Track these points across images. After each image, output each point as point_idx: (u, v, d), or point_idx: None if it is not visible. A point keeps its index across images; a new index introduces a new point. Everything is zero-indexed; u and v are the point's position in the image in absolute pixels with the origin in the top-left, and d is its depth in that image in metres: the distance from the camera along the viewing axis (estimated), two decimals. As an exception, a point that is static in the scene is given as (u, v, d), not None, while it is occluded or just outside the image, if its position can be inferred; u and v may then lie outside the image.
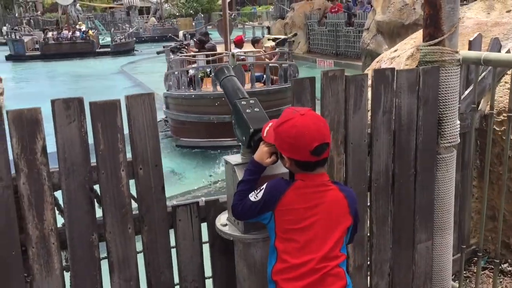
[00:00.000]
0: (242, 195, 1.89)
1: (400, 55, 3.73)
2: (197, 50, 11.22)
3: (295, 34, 13.50)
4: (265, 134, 1.86)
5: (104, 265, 2.13)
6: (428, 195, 2.64)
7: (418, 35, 3.95)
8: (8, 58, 28.90)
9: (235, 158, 2.09)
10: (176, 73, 10.13)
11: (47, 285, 2.02)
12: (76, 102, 1.97)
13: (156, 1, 45.81)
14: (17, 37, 29.24)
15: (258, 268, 2.08)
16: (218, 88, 9.48)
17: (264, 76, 9.94)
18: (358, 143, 2.42)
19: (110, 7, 54.65)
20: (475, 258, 3.23)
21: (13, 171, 1.92)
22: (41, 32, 32.34)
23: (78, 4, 36.45)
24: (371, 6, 15.66)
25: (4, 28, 42.86)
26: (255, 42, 11.47)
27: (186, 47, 11.93)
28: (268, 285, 1.89)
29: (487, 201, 2.85)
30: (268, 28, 14.78)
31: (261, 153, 1.88)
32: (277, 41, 11.90)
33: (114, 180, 2.07)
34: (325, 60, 19.57)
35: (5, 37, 32.07)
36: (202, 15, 42.58)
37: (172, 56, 10.57)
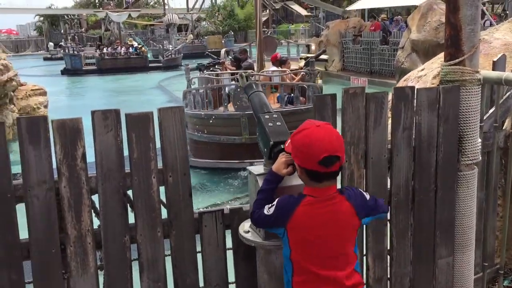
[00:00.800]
0: (259, 204, 2.01)
1: (427, 74, 3.80)
2: (234, 68, 11.17)
3: (324, 51, 13.30)
4: (286, 145, 1.98)
5: (135, 266, 2.28)
6: (449, 211, 2.69)
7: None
8: (63, 72, 30.08)
9: (257, 169, 2.21)
10: (193, 91, 9.86)
11: (82, 282, 2.19)
12: (113, 113, 2.15)
13: (194, 19, 46.89)
14: (75, 52, 30.50)
15: (278, 274, 2.19)
16: (231, 108, 9.36)
17: (286, 96, 9.64)
18: (378, 158, 2.50)
19: (151, 25, 56.24)
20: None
21: (55, 175, 2.11)
22: (90, 48, 33.66)
23: (121, 22, 37.70)
24: (407, 25, 15.64)
25: (51, 44, 44.79)
26: (282, 62, 11.24)
27: (221, 64, 11.94)
28: None
29: (509, 219, 2.86)
30: (308, 46, 14.54)
31: (279, 164, 2.01)
32: (306, 60, 11.73)
33: (146, 186, 2.23)
34: (359, 78, 19.57)
35: (62, 52, 33.49)
36: (233, 33, 43.01)
37: (191, 75, 10.27)
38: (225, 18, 53.89)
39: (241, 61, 11.28)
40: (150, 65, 31.03)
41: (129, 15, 40.98)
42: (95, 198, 2.20)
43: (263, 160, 2.20)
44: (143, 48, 32.03)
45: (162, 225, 2.28)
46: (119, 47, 31.52)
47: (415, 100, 2.52)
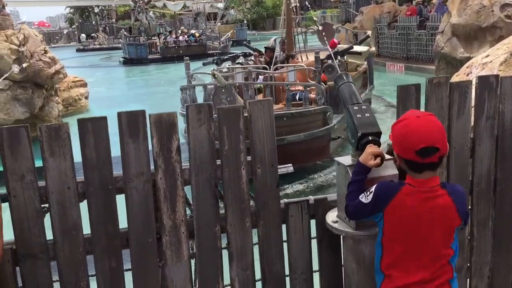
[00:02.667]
0: (352, 196, 2.04)
1: (493, 60, 3.74)
2: (268, 59, 10.12)
3: (368, 36, 12.86)
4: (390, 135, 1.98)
5: (225, 254, 2.35)
6: (530, 201, 2.66)
7: (511, 40, 3.92)
8: (126, 61, 30.48)
9: (346, 160, 2.24)
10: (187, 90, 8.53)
11: (176, 270, 2.27)
12: (206, 107, 2.21)
13: (223, 7, 46.83)
14: (141, 41, 30.91)
15: (366, 263, 2.22)
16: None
17: (297, 93, 8.75)
18: (460, 148, 2.50)
19: (179, 14, 56.50)
20: None
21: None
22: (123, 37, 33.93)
23: (151, 12, 38.00)
24: (447, 8, 15.26)
25: (83, 35, 45.47)
26: (290, 57, 9.98)
27: (255, 57, 10.87)
28: (375, 276, 2.03)
29: None
30: (366, 34, 13.51)
31: (366, 155, 2.03)
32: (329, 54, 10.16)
33: (236, 178, 2.28)
34: (395, 64, 19.25)
35: (121, 41, 33.76)
36: (246, 22, 42.28)
37: (191, 71, 9.14)
38: (253, 6, 53.64)
39: (273, 52, 10.14)
40: (209, 52, 31.26)
41: (184, 4, 41.25)
42: (187, 189, 2.28)
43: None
44: (201, 36, 32.60)
45: (251, 215, 2.34)
46: (181, 36, 32.24)
47: (499, 89, 2.50)
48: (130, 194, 2.16)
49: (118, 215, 2.18)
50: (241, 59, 10.69)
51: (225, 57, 11.07)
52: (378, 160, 2.04)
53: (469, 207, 2.59)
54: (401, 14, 21.32)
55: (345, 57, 10.20)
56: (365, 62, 12.01)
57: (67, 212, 2.10)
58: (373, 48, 12.76)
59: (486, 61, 3.84)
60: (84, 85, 14.54)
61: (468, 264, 2.66)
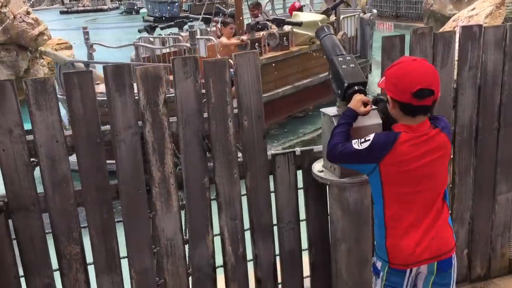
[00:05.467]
0: (341, 137, 2.01)
1: (479, 13, 3.75)
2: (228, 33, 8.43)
3: (342, 1, 10.61)
4: (380, 82, 1.98)
5: (214, 205, 2.41)
6: (510, 149, 2.74)
7: (497, -8, 3.92)
8: (156, 21, 29.55)
9: (332, 110, 2.27)
10: None
11: (167, 220, 2.33)
12: (192, 60, 2.22)
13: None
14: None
15: (351, 210, 2.29)
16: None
17: None
18: (443, 98, 2.53)
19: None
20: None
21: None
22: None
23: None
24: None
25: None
26: (224, 24, 8.46)
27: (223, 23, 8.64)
28: (377, 229, 1.99)
29: None
30: None
31: (355, 101, 2.05)
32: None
33: (223, 130, 2.32)
34: (385, 22, 19.10)
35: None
36: None
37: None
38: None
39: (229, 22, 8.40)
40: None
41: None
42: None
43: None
44: None
45: (238, 166, 2.39)
46: None
47: (482, 39, 2.52)
48: (119, 146, 2.19)
49: (107, 168, 2.21)
50: (195, 27, 8.62)
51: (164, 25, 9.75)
52: (368, 107, 2.06)
53: (451, 155, 2.66)
54: (390, -29, 20.96)
55: (286, 27, 8.94)
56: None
57: (56, 165, 2.13)
58: (373, 11, 11.11)
59: (472, 14, 3.85)
60: (69, 47, 14.24)
61: (450, 211, 2.75)
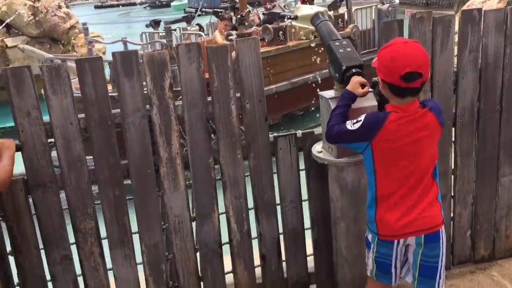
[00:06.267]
0: (338, 118, 2.11)
1: (492, -2, 3.72)
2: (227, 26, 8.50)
3: None
4: (373, 61, 2.03)
5: (219, 184, 2.54)
6: (513, 131, 2.76)
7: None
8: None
9: (329, 93, 2.36)
10: None
11: (174, 198, 2.48)
12: (195, 46, 2.35)
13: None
14: None
15: (349, 189, 2.39)
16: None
17: None
18: (444, 81, 2.59)
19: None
20: None
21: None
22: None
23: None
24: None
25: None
26: (221, 18, 8.38)
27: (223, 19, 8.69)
28: (369, 204, 2.09)
29: None
30: None
31: (353, 84, 2.14)
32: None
33: (226, 113, 2.44)
34: (415, 10, 18.74)
35: None
36: None
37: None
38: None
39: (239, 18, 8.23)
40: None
41: None
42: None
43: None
44: None
45: (242, 148, 2.51)
46: None
47: (482, 23, 2.55)
48: (128, 129, 2.35)
49: (118, 149, 2.37)
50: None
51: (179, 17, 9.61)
52: (366, 88, 2.15)
53: (453, 138, 2.71)
54: (422, -42, 20.54)
55: (288, 20, 8.69)
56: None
57: (71, 146, 2.30)
58: (396, 1, 10.17)
59: (485, -2, 3.82)
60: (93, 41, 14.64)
61: (452, 193, 2.81)
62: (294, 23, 8.62)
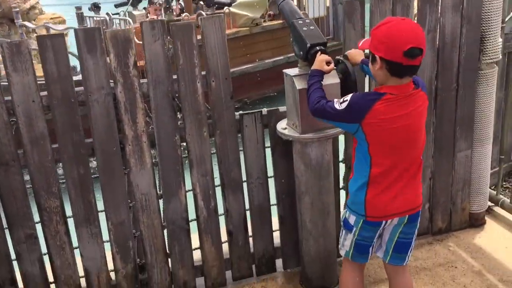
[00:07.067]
0: (320, 92, 2.07)
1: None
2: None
3: None
4: (360, 44, 2.04)
5: (185, 162, 2.56)
6: (469, 108, 2.88)
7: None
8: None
9: (293, 71, 2.41)
10: None
11: (141, 176, 2.49)
12: (159, 24, 2.34)
13: None
14: None
15: (313, 165, 2.45)
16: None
17: None
18: (403, 59, 2.67)
19: None
20: (515, 172, 3.47)
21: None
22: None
23: None
24: None
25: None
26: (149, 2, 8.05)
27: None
28: (358, 190, 2.02)
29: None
30: None
31: (319, 62, 2.18)
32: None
33: (192, 91, 2.45)
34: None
35: None
36: None
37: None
38: None
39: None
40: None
41: None
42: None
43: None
44: None
45: (208, 125, 2.53)
46: None
47: (440, 3, 2.64)
48: (92, 106, 2.33)
49: (81, 126, 2.35)
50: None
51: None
52: (331, 65, 2.18)
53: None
54: None
55: (226, 8, 8.27)
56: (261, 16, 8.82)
57: (34, 124, 2.27)
58: None
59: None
60: (63, 22, 14.22)
61: (411, 168, 2.91)
62: (233, 10, 8.14)
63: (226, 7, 8.34)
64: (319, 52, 2.22)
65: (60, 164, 2.39)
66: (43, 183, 2.36)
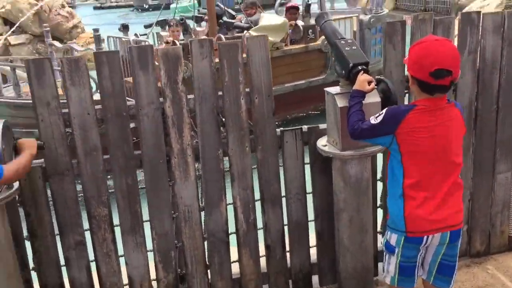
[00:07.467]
0: (359, 114, 2.14)
1: (490, 3, 3.87)
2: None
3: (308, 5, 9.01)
4: (404, 59, 2.11)
5: (227, 176, 2.65)
6: (509, 130, 2.88)
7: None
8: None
9: (335, 89, 2.48)
10: None
11: (184, 188, 2.58)
12: (208, 42, 2.46)
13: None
14: None
15: (352, 182, 2.50)
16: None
17: None
18: (443, 80, 2.70)
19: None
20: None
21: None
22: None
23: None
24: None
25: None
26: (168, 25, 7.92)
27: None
28: (393, 199, 2.08)
29: None
30: None
31: (360, 82, 2.24)
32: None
33: (236, 107, 2.55)
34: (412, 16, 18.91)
35: None
36: None
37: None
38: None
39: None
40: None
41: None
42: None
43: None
44: None
45: (250, 141, 2.62)
46: None
47: (480, 25, 2.68)
48: (142, 120, 2.45)
49: (131, 139, 2.47)
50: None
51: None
52: (373, 84, 2.24)
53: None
54: (420, -35, 20.76)
55: (247, 32, 7.98)
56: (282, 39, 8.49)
57: (88, 136, 2.40)
58: (384, 10, 9.75)
59: (483, 4, 3.97)
60: (102, 41, 14.75)
61: (450, 188, 2.92)
62: (253, 33, 7.84)
63: (246, 31, 8.21)
64: (361, 72, 2.28)
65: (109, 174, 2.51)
66: (94, 192, 2.48)
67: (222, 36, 7.82)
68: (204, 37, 8.25)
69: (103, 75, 2.36)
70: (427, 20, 2.62)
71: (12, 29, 8.56)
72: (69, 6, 11.15)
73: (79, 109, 2.37)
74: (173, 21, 8.22)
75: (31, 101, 2.35)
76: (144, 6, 35.43)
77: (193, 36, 8.19)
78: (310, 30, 8.37)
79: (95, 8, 42.66)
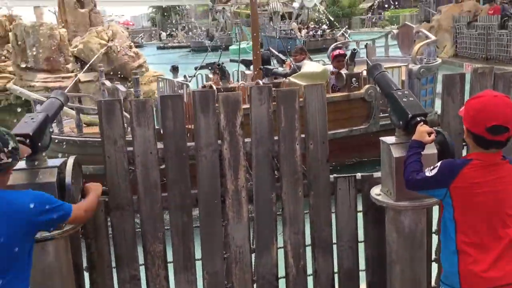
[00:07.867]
0: (416, 165, 2.14)
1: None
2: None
3: (354, 52, 8.92)
4: (461, 109, 2.09)
5: (279, 219, 2.68)
6: None
7: None
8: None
9: (390, 139, 2.49)
10: None
11: (237, 229, 2.64)
12: (267, 89, 2.56)
13: (298, 7, 47.02)
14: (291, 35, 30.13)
15: (406, 233, 2.46)
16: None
17: None
18: (504, 134, 2.65)
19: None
20: None
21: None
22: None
23: (228, 11, 39.11)
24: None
25: (163, 34, 47.55)
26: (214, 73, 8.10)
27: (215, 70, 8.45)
28: (447, 255, 2.06)
29: None
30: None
31: (420, 133, 2.24)
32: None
33: (290, 152, 2.61)
34: (474, 64, 18.60)
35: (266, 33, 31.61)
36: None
37: None
38: (329, 5, 53.35)
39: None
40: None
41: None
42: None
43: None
44: (327, 31, 34.77)
45: (303, 186, 2.65)
46: (318, 30, 34.67)
47: (544, 79, 2.63)
48: (200, 161, 2.55)
49: (190, 179, 2.57)
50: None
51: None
52: (433, 136, 2.25)
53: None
54: (482, 14, 20.53)
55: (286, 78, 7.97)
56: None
57: (149, 173, 2.53)
58: (438, 60, 9.34)
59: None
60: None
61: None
62: (293, 80, 7.83)
63: (285, 78, 8.17)
64: (421, 123, 2.29)
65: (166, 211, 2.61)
66: (151, 228, 2.58)
67: (260, 82, 7.88)
68: (242, 82, 8.49)
69: (167, 117, 2.50)
70: (487, 73, 2.61)
71: (84, 69, 9.21)
72: (136, 46, 11.82)
73: (143, 148, 2.50)
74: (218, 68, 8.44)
75: (92, 139, 2.50)
76: (207, 45, 36.92)
77: (231, 81, 8.41)
78: (354, 79, 8.27)
79: (158, 48, 44.84)
